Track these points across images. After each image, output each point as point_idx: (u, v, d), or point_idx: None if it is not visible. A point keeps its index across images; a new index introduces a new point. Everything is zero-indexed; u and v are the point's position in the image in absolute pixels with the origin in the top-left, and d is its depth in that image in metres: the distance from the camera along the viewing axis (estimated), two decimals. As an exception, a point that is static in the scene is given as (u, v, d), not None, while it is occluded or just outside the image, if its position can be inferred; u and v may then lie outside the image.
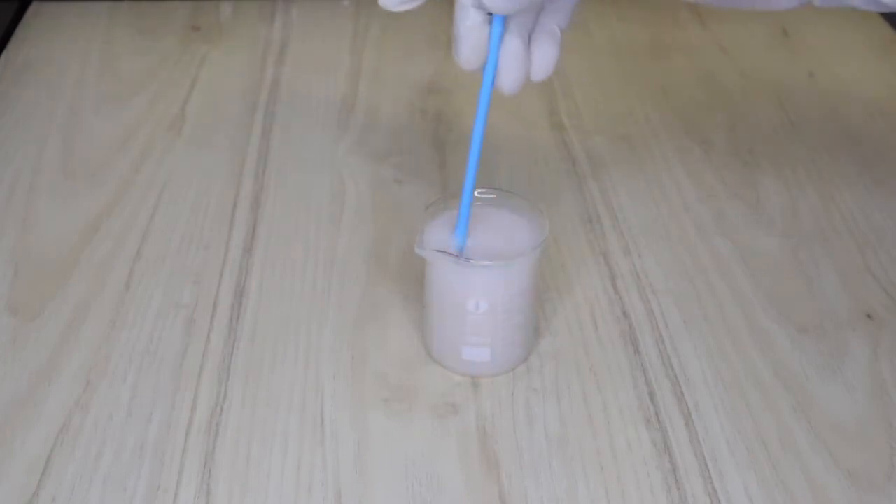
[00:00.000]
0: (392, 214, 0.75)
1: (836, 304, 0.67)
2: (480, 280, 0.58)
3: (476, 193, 0.62)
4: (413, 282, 0.68)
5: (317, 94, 0.89)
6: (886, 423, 0.59)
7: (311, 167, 0.80)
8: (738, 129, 0.85)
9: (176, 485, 0.55)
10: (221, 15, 1.01)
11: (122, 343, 0.64)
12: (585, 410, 0.60)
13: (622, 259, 0.71)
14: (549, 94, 0.89)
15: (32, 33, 0.98)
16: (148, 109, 0.86)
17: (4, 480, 0.55)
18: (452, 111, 0.87)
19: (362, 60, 0.94)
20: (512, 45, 0.55)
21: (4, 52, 0.94)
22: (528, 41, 0.57)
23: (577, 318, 0.66)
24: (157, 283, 0.68)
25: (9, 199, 0.76)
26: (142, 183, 0.78)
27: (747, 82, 0.91)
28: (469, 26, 0.54)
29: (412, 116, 0.86)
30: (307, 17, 1.01)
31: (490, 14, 0.54)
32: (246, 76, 0.91)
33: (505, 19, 0.55)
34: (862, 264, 0.71)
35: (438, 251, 0.57)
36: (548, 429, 0.59)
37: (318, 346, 0.64)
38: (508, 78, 0.56)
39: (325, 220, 0.74)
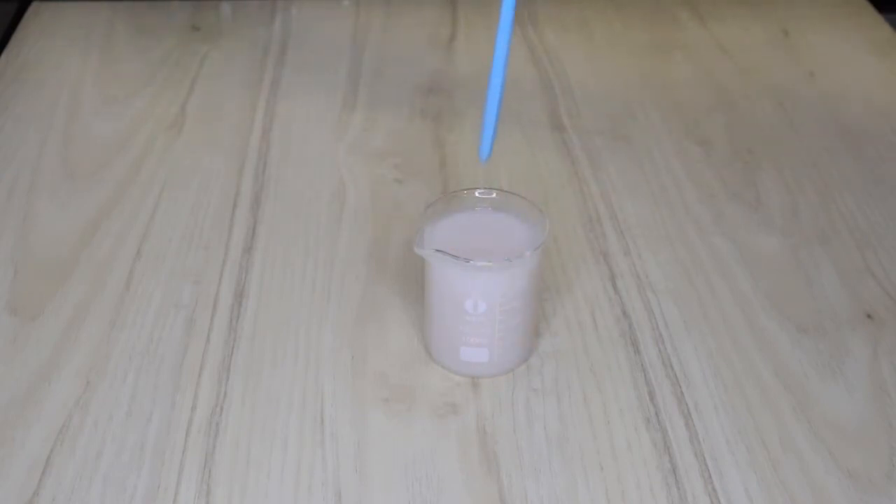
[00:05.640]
0: (392, 214, 0.75)
1: (836, 304, 0.67)
2: (479, 280, 0.58)
3: (476, 194, 0.62)
4: (413, 282, 0.68)
5: (317, 93, 0.89)
6: (886, 423, 0.59)
7: (311, 167, 0.80)
8: (738, 129, 0.85)
9: (176, 485, 0.55)
10: (221, 15, 1.01)
11: (122, 343, 0.64)
12: (585, 410, 0.60)
13: (622, 259, 0.71)
14: (549, 94, 0.89)
15: (32, 33, 0.98)
16: (148, 109, 0.86)
17: (4, 480, 0.55)
18: (452, 111, 0.87)
19: (362, 60, 0.94)
20: None
21: (4, 52, 0.95)
22: None
23: (577, 318, 0.66)
24: (157, 283, 0.68)
25: (9, 199, 0.76)
26: (142, 183, 0.78)
27: (747, 82, 0.91)
28: None
29: (412, 116, 0.86)
30: (307, 17, 1.01)
31: None
32: (246, 76, 0.91)
33: None
34: (862, 264, 0.71)
35: (437, 251, 0.57)
36: (548, 429, 0.59)
37: (318, 346, 0.64)
38: None
39: (325, 220, 0.74)
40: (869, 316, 0.67)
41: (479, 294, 0.58)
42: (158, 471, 0.56)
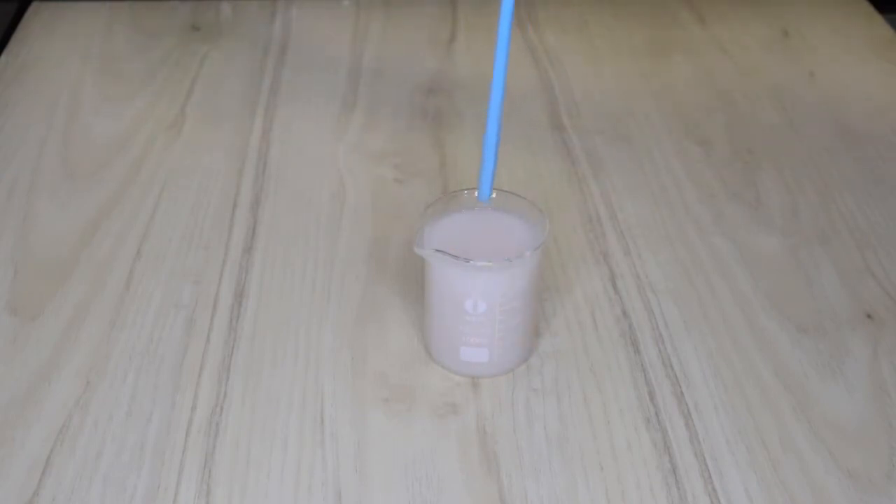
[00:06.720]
0: (392, 214, 0.75)
1: (836, 304, 0.67)
2: (479, 280, 0.58)
3: (476, 194, 0.62)
4: (413, 282, 0.68)
5: (317, 93, 0.89)
6: (886, 423, 0.59)
7: (311, 167, 0.80)
8: (738, 129, 0.85)
9: (176, 485, 0.55)
10: (221, 15, 1.01)
11: (122, 343, 0.64)
12: (585, 410, 0.60)
13: (622, 259, 0.71)
14: (549, 95, 0.89)
15: (32, 33, 0.98)
16: (148, 109, 0.86)
17: (4, 480, 0.55)
18: (452, 111, 0.87)
19: (362, 60, 0.94)
20: None
21: (4, 52, 0.95)
22: None
23: (577, 318, 0.66)
24: (157, 283, 0.68)
25: (9, 199, 0.76)
26: (142, 183, 0.78)
27: (747, 82, 0.91)
28: None
29: (412, 116, 0.86)
30: (307, 17, 1.01)
31: None
32: (246, 76, 0.91)
33: None
34: (862, 264, 0.71)
35: (438, 251, 0.57)
36: (548, 429, 0.59)
37: (318, 346, 0.64)
38: None
39: (325, 220, 0.74)
40: (869, 316, 0.67)
41: (479, 294, 0.58)
42: (158, 471, 0.56)
